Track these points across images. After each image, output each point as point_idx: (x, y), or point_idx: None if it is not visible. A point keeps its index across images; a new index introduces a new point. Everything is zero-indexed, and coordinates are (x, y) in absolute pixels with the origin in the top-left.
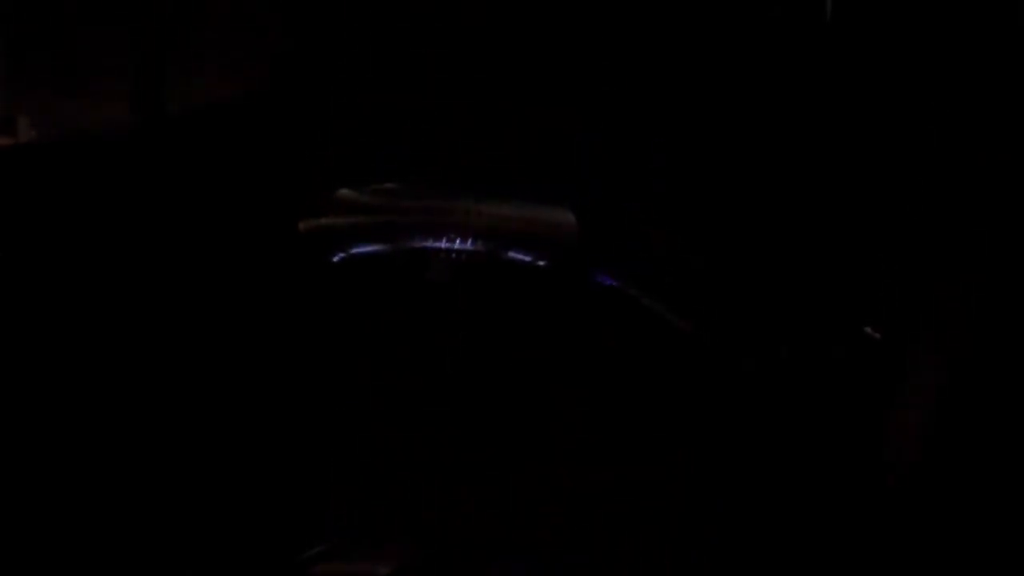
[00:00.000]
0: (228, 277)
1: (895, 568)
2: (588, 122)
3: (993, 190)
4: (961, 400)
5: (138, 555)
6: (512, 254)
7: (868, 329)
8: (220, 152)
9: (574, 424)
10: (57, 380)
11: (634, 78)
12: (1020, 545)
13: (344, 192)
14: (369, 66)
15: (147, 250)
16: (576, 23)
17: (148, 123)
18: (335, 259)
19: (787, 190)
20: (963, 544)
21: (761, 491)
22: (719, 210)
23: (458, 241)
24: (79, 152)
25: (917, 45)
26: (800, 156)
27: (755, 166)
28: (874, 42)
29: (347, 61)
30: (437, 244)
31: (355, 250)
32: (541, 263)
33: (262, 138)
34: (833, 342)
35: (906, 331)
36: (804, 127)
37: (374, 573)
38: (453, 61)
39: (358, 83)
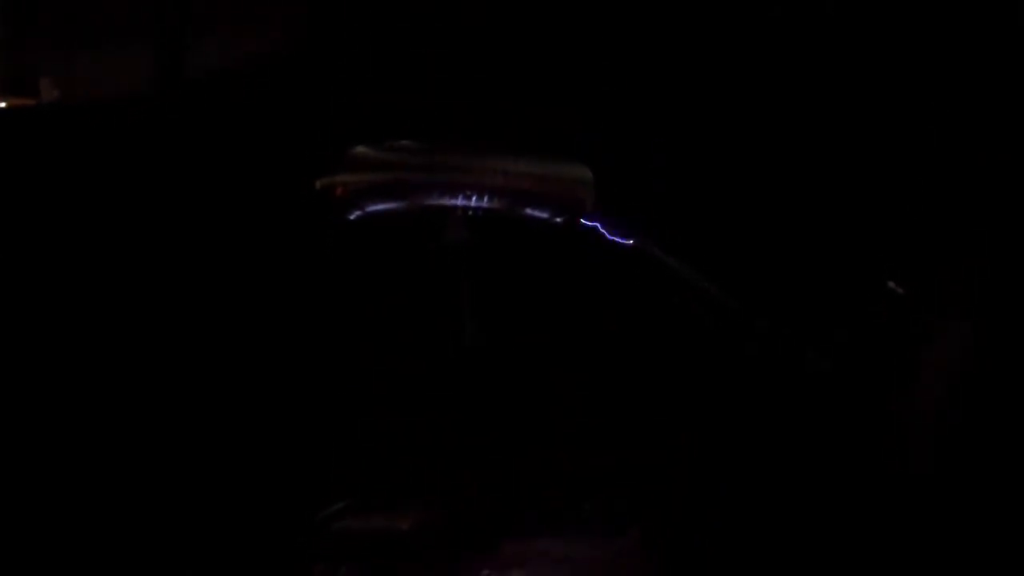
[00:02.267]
0: (248, 234)
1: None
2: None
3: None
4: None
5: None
6: (529, 211)
7: (891, 284)
8: (239, 111)
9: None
10: (83, 323)
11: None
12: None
13: (361, 149)
14: (386, 31)
15: (167, 206)
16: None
17: (169, 83)
18: (351, 216)
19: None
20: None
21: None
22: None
23: (475, 199)
24: (101, 113)
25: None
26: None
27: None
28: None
29: (365, 24)
30: (454, 201)
31: (371, 208)
32: (558, 220)
33: (280, 97)
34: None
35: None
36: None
37: (393, 529)
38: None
39: (376, 45)
